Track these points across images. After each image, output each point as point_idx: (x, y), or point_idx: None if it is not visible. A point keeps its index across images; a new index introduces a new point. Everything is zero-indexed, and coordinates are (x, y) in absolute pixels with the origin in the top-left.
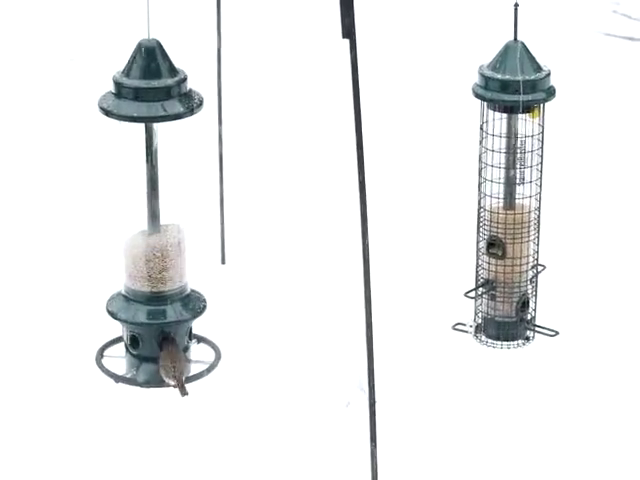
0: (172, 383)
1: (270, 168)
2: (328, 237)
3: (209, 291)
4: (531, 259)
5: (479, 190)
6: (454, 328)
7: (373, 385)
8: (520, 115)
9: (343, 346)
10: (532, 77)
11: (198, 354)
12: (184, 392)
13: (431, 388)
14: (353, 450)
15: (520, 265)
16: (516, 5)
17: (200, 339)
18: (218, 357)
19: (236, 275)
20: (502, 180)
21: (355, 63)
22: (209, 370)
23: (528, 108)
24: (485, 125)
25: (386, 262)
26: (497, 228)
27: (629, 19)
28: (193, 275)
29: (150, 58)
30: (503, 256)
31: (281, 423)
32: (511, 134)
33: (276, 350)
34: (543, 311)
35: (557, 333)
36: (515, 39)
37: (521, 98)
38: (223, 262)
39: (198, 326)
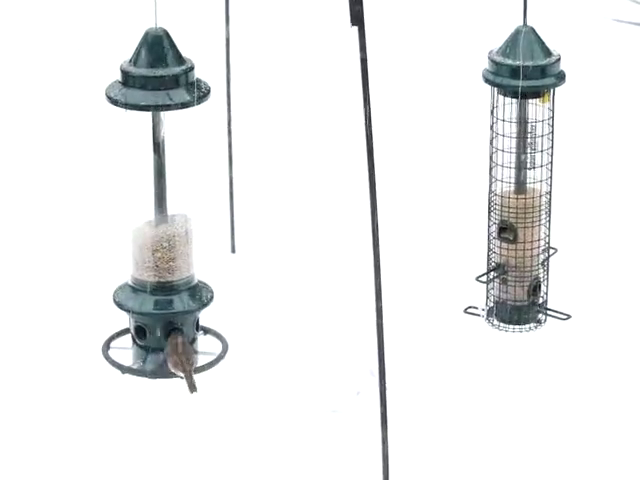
0: (181, 375)
1: (279, 157)
2: (338, 224)
3: (218, 281)
4: (542, 243)
5: (490, 175)
6: (466, 312)
7: (384, 371)
8: (530, 100)
9: (353, 333)
10: (542, 62)
11: (205, 345)
12: (193, 389)
13: (443, 373)
14: (364, 437)
15: (532, 249)
16: None
17: (207, 330)
18: (225, 348)
19: (246, 264)
20: (513, 165)
21: (364, 50)
22: (216, 361)
23: (538, 93)
24: (495, 110)
25: (397, 247)
26: (508, 212)
27: None
28: (202, 264)
29: (157, 47)
30: (514, 240)
31: (291, 413)
32: (521, 119)
33: (285, 339)
34: (555, 294)
35: (569, 316)
36: (525, 24)
37: (520, 83)
38: (233, 251)
39: (205, 317)
